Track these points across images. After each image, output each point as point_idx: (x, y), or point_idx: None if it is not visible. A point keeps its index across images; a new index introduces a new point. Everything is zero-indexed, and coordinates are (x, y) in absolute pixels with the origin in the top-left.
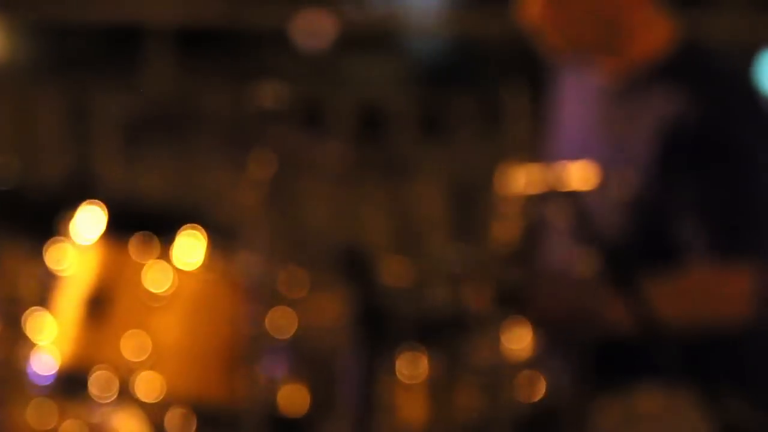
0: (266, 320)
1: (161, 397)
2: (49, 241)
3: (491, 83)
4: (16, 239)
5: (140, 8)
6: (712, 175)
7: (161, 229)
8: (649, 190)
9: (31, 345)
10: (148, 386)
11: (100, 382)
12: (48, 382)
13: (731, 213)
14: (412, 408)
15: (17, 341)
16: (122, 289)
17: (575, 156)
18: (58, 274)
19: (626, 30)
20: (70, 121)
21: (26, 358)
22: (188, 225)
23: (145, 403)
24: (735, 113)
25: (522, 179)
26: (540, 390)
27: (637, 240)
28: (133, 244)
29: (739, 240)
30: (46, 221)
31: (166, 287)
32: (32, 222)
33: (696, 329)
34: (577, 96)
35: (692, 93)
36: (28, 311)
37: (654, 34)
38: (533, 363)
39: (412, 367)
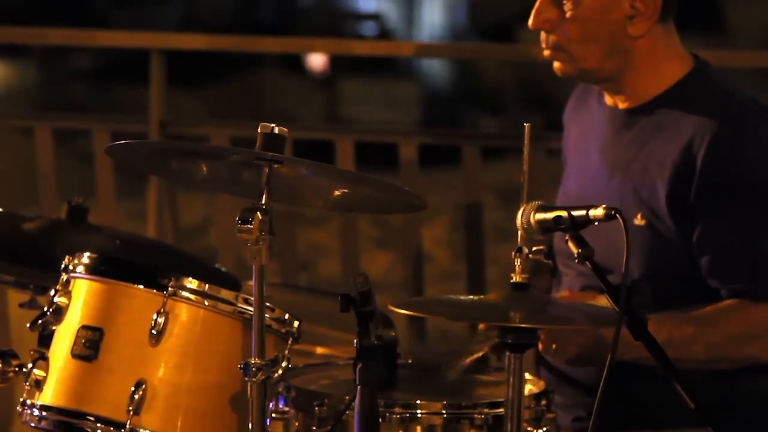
0: (267, 355)
1: None
2: (45, 274)
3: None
4: (12, 270)
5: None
6: (730, 208)
7: (157, 265)
8: (665, 223)
9: (25, 382)
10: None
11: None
12: (42, 423)
13: (753, 249)
14: None
15: (11, 379)
16: (118, 326)
17: (584, 185)
18: (54, 308)
19: (639, 60)
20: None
21: (20, 396)
22: (185, 261)
23: None
24: (746, 141)
25: (532, 213)
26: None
27: (656, 276)
28: (130, 281)
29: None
30: (43, 253)
31: (164, 324)
32: (29, 254)
33: (722, 369)
34: (584, 122)
35: (702, 121)
36: (21, 346)
37: (668, 68)
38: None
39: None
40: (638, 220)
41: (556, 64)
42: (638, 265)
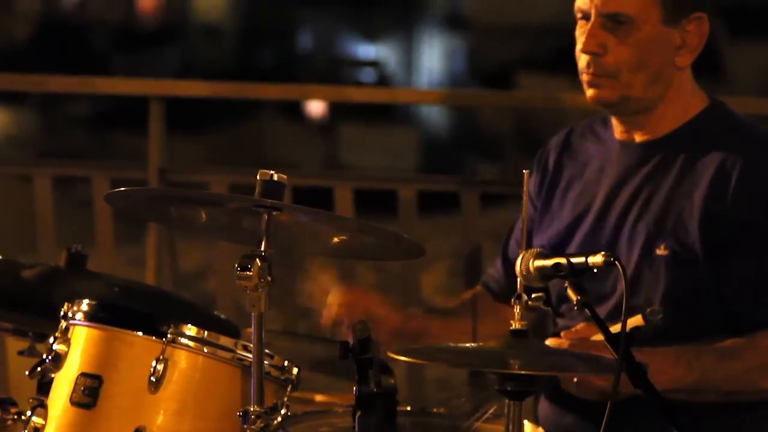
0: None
1: None
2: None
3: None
4: (11, 318)
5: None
6: (761, 235)
7: (156, 312)
8: (693, 252)
9: (23, 430)
10: None
11: None
12: None
13: None
14: None
15: (10, 427)
16: (117, 373)
17: (587, 225)
18: (53, 355)
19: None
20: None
21: None
22: (184, 308)
23: None
24: None
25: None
26: None
27: (678, 306)
28: (129, 328)
29: None
30: (42, 300)
31: (163, 372)
32: (28, 301)
33: (742, 401)
34: (582, 162)
35: (731, 148)
36: (20, 394)
37: (690, 102)
38: None
39: None
40: (661, 251)
41: (594, 92)
42: (660, 295)
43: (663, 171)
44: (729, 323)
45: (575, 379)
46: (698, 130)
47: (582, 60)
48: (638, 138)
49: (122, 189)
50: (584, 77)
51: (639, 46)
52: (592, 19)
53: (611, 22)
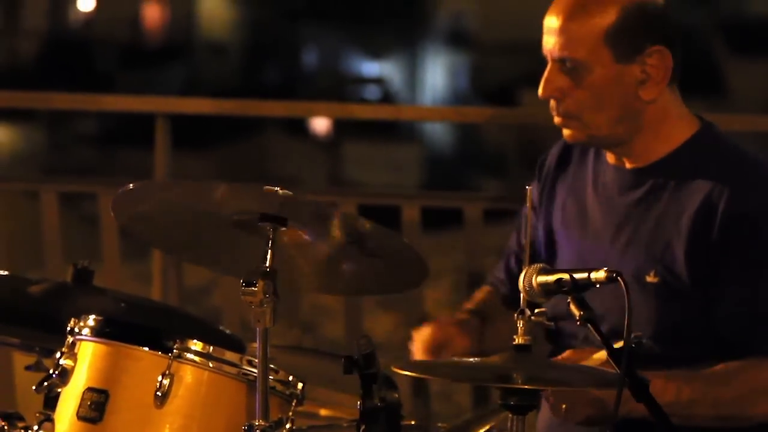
0: (271, 416)
1: None
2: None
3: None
4: (18, 333)
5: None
6: (747, 263)
7: (162, 327)
8: (680, 279)
9: None
10: None
11: None
12: None
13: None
14: None
15: None
16: (123, 388)
17: (583, 246)
18: (59, 370)
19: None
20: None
21: None
22: (190, 323)
23: None
24: (765, 195)
25: (534, 275)
26: None
27: (667, 333)
28: (135, 343)
29: None
30: (49, 316)
31: (169, 386)
32: (34, 316)
33: (731, 427)
34: (576, 182)
35: (719, 176)
36: (27, 409)
37: (676, 129)
38: None
39: None
40: (651, 278)
41: (567, 132)
42: (650, 322)
43: (653, 197)
44: (719, 350)
45: (563, 406)
46: (686, 158)
47: (550, 102)
48: (628, 165)
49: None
50: (555, 119)
51: (594, 88)
52: (549, 64)
53: (565, 66)
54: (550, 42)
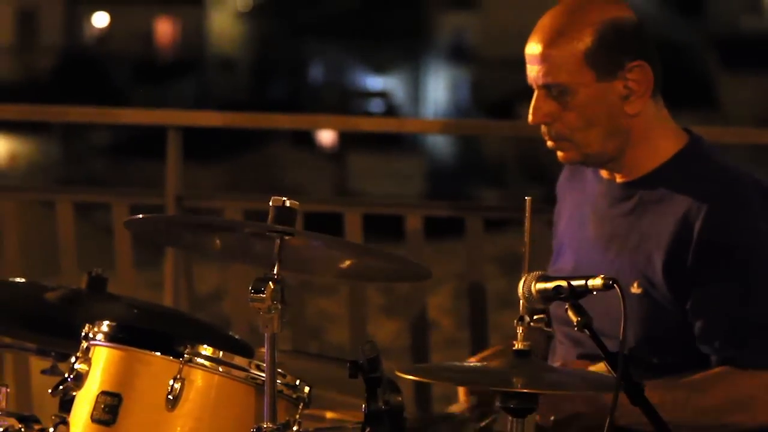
0: (278, 419)
1: None
2: (66, 342)
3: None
4: (34, 338)
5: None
6: (722, 278)
7: (174, 333)
8: (661, 291)
9: None
10: None
11: None
12: None
13: (739, 317)
14: None
15: None
16: (136, 392)
17: (580, 255)
18: (74, 374)
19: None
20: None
21: None
22: (200, 329)
23: None
24: (740, 214)
25: (533, 282)
26: None
27: (651, 342)
28: (148, 348)
29: (757, 344)
30: (64, 321)
31: (180, 390)
32: (50, 322)
33: None
34: (579, 193)
35: (698, 194)
36: (42, 412)
37: (663, 143)
38: None
39: None
40: (635, 289)
41: (561, 154)
42: (634, 332)
43: (640, 210)
44: (700, 360)
45: (552, 417)
46: (671, 173)
47: (541, 127)
48: (618, 178)
49: (140, 216)
50: (547, 143)
51: (581, 108)
52: (536, 92)
53: (551, 91)
54: (533, 71)
